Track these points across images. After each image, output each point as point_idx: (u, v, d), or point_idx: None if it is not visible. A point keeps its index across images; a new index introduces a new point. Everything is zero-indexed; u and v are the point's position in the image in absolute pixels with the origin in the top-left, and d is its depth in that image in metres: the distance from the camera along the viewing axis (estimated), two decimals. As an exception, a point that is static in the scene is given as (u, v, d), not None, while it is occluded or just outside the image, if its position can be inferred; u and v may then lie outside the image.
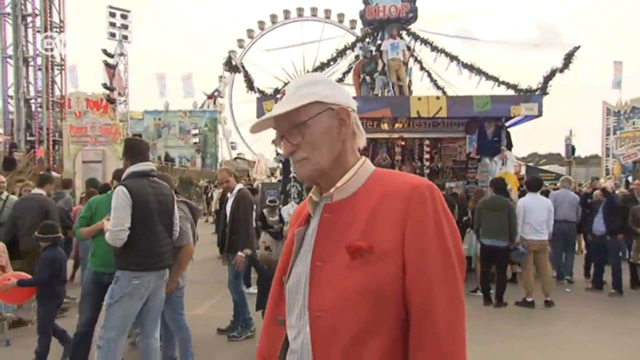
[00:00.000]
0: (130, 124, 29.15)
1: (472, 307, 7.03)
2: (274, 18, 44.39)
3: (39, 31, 19.32)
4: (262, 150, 32.93)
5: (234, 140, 47.03)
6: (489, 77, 11.38)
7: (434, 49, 12.02)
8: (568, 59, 10.95)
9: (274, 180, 17.89)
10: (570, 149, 30.56)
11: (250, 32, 44.26)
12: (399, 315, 1.30)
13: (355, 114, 1.45)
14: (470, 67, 11.65)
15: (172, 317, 4.84)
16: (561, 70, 11.05)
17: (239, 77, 28.41)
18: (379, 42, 12.38)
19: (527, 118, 10.94)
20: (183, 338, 4.92)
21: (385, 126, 11.41)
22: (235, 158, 41.76)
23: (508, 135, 11.28)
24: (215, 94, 45.36)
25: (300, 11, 44.06)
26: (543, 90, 10.97)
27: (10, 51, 18.71)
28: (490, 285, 7.80)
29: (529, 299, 7.60)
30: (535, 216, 7.77)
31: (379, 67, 12.10)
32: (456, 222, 1.43)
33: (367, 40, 12.46)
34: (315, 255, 1.39)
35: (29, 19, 19.00)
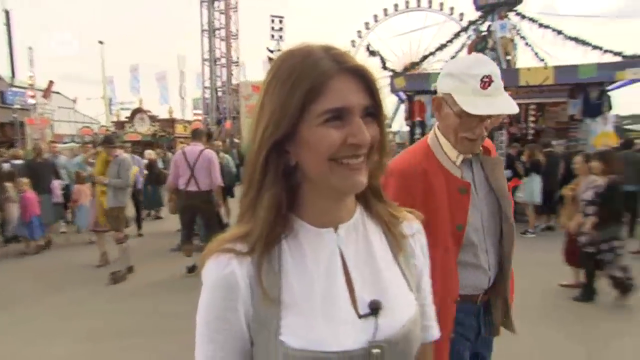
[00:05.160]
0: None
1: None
2: (386, 11, 42.55)
3: (222, 40, 20.64)
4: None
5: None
6: (595, 47, 9.85)
7: (541, 25, 10.66)
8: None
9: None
10: (660, 110, 25.65)
11: (367, 24, 43.05)
12: None
13: None
14: (575, 39, 10.18)
15: None
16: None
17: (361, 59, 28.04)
18: (489, 23, 11.29)
19: (631, 82, 9.39)
20: None
21: (494, 95, 10.53)
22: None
23: (609, 98, 9.81)
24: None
25: (407, 4, 41.70)
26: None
27: (206, 55, 20.26)
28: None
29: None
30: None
31: (489, 45, 11.09)
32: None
33: (479, 22, 11.40)
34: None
35: (217, 32, 20.33)
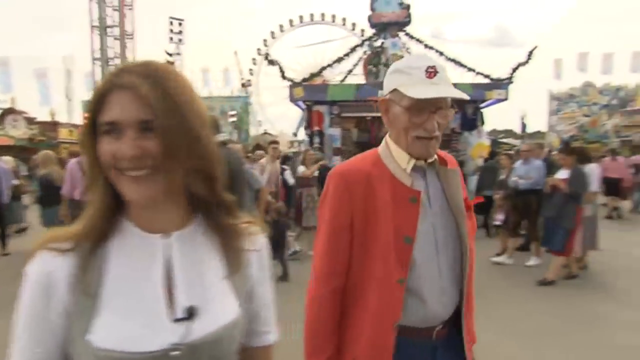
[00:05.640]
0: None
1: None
2: (291, 22, 43.39)
3: (116, 39, 19.11)
4: (281, 127, 32.87)
5: (259, 119, 47.17)
6: (470, 69, 11.19)
7: (425, 46, 11.81)
8: (530, 55, 10.73)
9: (293, 150, 17.93)
10: (524, 126, 29.98)
11: (272, 34, 43.47)
12: None
13: None
14: (454, 61, 11.47)
15: None
16: (524, 64, 10.84)
17: (264, 69, 28.37)
18: (382, 40, 12.17)
19: (497, 101, 10.86)
20: None
21: (387, 107, 11.33)
22: (264, 133, 42.02)
23: (482, 114, 11.21)
24: (247, 83, 45.23)
25: (311, 16, 43.05)
26: (510, 79, 10.80)
27: (97, 55, 18.60)
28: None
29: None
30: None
31: (382, 60, 11.98)
32: None
33: (374, 39, 12.25)
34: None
35: (109, 30, 18.79)
